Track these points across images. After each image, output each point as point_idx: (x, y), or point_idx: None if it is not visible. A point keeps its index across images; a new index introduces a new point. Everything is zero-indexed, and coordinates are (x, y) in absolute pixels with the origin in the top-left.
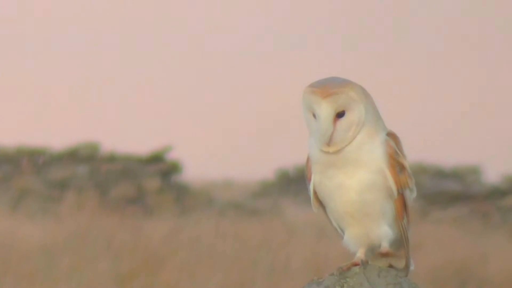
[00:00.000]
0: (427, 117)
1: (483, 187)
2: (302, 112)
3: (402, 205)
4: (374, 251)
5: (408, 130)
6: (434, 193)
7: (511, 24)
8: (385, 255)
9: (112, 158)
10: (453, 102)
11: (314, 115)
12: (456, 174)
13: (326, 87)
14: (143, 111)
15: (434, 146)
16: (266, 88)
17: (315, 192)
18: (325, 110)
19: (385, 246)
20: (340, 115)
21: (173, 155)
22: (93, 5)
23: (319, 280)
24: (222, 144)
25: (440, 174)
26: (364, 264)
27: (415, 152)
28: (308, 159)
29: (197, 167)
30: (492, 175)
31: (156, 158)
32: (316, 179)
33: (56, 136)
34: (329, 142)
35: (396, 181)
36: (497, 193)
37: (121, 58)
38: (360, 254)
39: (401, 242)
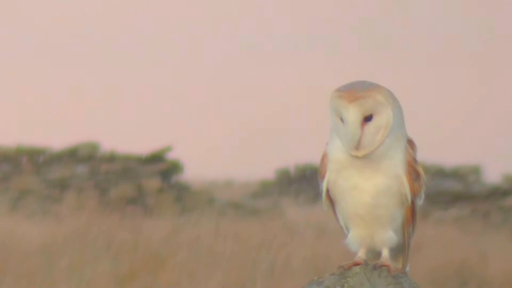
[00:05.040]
0: (427, 117)
1: (484, 187)
2: (329, 116)
3: (412, 212)
4: (374, 254)
5: (408, 129)
6: (435, 193)
7: (511, 25)
8: (381, 266)
9: (112, 158)
10: (453, 102)
11: (341, 119)
12: (456, 174)
13: (353, 91)
14: (143, 111)
15: (435, 146)
16: (266, 88)
17: (327, 190)
18: (353, 114)
19: (385, 254)
20: (367, 119)
21: (173, 155)
22: (93, 6)
23: (320, 280)
24: (222, 144)
25: (440, 174)
26: (366, 263)
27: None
28: (323, 157)
29: (197, 167)
30: (493, 175)
31: (156, 158)
32: (331, 178)
33: (56, 135)
34: (357, 146)
35: (412, 189)
36: (497, 193)
37: (121, 58)
38: (361, 254)
39: (401, 248)
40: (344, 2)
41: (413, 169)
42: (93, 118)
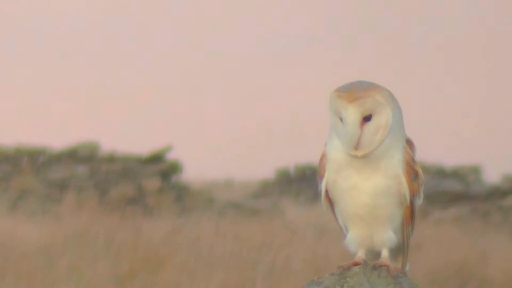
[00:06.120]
0: (427, 117)
1: (484, 187)
2: (329, 116)
3: (411, 212)
4: (374, 254)
5: (408, 129)
6: (434, 193)
7: (511, 24)
8: (381, 266)
9: (112, 158)
10: (454, 102)
11: (341, 119)
12: (456, 174)
13: (352, 91)
14: (143, 111)
15: (435, 145)
16: (266, 88)
17: (326, 191)
18: (352, 114)
19: (385, 255)
20: (367, 118)
21: (173, 155)
22: (94, 6)
23: (319, 280)
24: (222, 144)
25: (440, 174)
26: (366, 263)
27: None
28: (322, 157)
29: (197, 167)
30: (493, 175)
31: (156, 158)
32: (330, 178)
33: (56, 136)
34: (356, 146)
35: (410, 189)
36: (497, 193)
37: (121, 58)
38: (361, 254)
39: (401, 248)
40: (344, 2)
41: (412, 169)
42: (93, 118)
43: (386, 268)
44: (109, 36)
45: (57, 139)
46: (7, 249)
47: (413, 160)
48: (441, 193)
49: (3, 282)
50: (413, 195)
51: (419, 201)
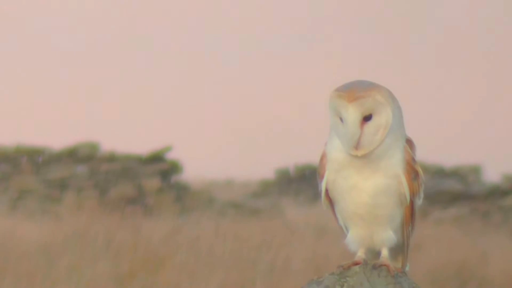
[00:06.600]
0: (427, 117)
1: (484, 186)
2: (329, 116)
3: (411, 211)
4: (374, 254)
5: (408, 129)
6: (434, 193)
7: (511, 24)
8: (381, 266)
9: (111, 158)
10: (454, 102)
11: (341, 119)
12: (456, 174)
13: (352, 91)
14: (143, 111)
15: (435, 145)
16: (266, 88)
17: (326, 190)
18: (352, 114)
19: (385, 254)
20: (367, 118)
21: (173, 155)
22: (94, 5)
23: (319, 279)
24: (222, 144)
25: (440, 173)
26: (366, 263)
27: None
28: (322, 157)
29: (197, 167)
30: (493, 174)
31: (156, 158)
32: (330, 178)
33: (56, 135)
34: (356, 146)
35: (411, 188)
36: (497, 193)
37: (121, 58)
38: (361, 253)
39: (401, 248)
40: (344, 2)
41: (412, 169)
42: (93, 118)
43: (386, 268)
44: (109, 36)
45: (57, 139)
46: (7, 249)
47: (413, 160)
48: (441, 193)
49: (3, 282)
50: (413, 194)
51: (419, 201)
